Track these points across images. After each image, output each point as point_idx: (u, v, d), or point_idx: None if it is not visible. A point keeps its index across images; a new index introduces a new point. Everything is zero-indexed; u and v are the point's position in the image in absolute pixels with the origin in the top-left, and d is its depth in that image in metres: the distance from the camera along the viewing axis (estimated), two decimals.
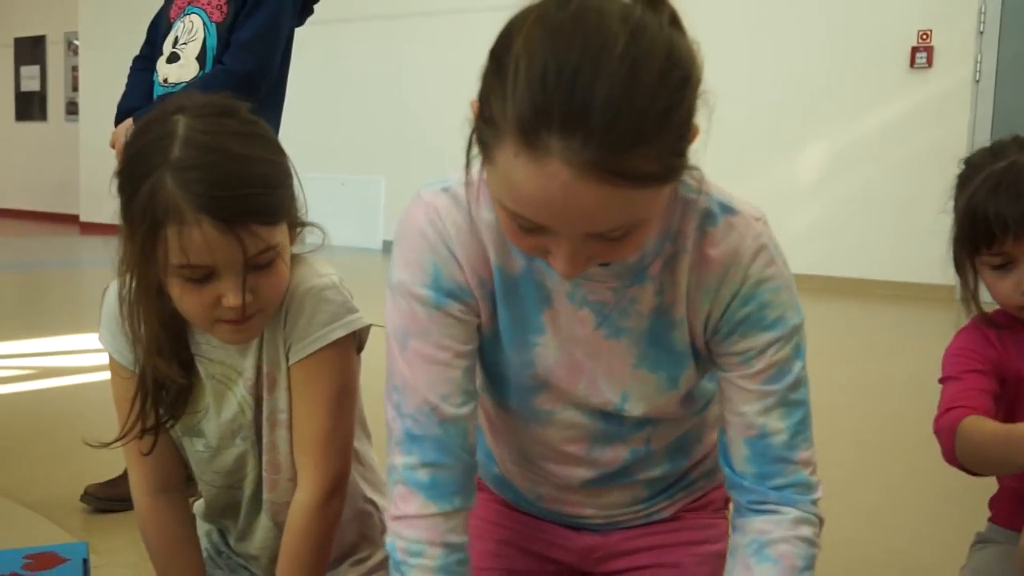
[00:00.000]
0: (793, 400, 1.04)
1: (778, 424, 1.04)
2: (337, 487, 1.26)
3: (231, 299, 1.12)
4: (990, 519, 1.41)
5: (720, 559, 1.11)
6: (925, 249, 5.86)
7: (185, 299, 1.14)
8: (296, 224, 1.22)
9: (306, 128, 6.79)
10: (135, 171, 1.11)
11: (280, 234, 1.15)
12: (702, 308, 1.03)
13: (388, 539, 1.10)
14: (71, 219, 10.54)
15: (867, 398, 3.38)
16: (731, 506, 1.12)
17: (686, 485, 1.24)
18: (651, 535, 1.23)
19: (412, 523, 1.07)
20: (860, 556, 1.93)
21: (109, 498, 2.13)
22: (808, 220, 6.17)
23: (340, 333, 1.22)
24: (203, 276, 1.11)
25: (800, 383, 1.05)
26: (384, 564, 1.38)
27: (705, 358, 1.08)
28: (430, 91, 7.67)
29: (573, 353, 1.08)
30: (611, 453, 1.15)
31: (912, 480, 2.41)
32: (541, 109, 0.79)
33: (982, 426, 1.17)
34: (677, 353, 1.06)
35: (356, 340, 1.26)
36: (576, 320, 1.06)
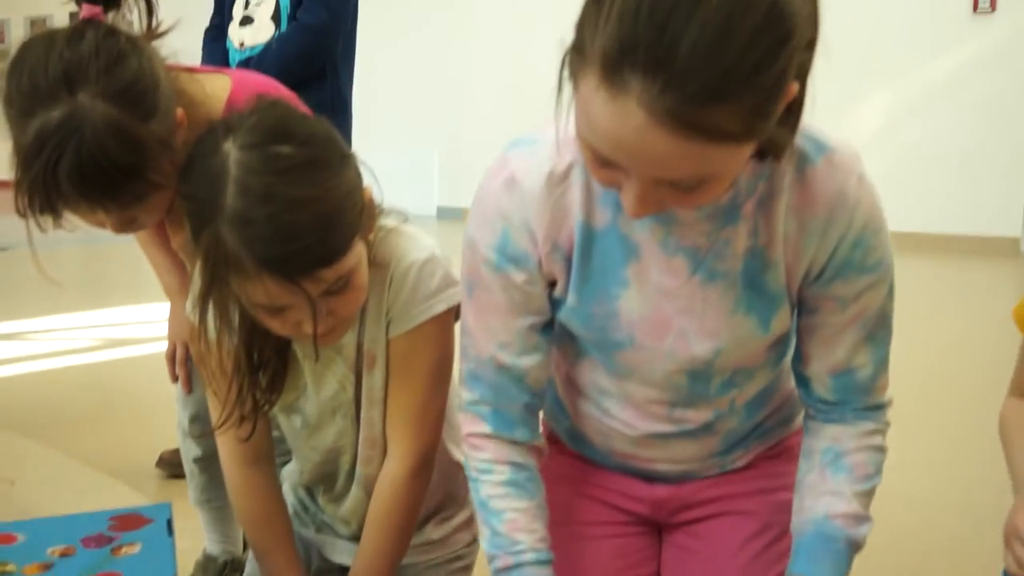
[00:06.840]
0: (880, 336, 1.06)
1: (865, 359, 1.06)
2: (427, 460, 1.26)
3: (307, 327, 1.09)
4: None
5: None
6: (989, 199, 5.74)
7: (265, 322, 1.12)
8: (371, 219, 1.16)
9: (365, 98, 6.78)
10: (193, 214, 1.07)
11: (352, 257, 1.10)
12: (806, 252, 1.01)
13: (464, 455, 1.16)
14: None
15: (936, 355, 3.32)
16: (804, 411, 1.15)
17: (761, 434, 1.23)
18: (725, 484, 1.23)
19: (479, 443, 1.13)
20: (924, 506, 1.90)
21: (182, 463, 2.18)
22: (869, 171, 6.03)
23: (442, 307, 1.20)
24: (276, 310, 1.09)
25: (888, 317, 1.06)
26: (468, 523, 1.39)
27: (793, 301, 1.06)
28: (485, 62, 7.64)
29: (661, 307, 1.06)
30: (693, 414, 1.14)
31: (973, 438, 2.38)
32: (628, 45, 0.77)
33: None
34: (770, 295, 1.04)
35: (455, 312, 1.21)
36: (668, 270, 1.04)
